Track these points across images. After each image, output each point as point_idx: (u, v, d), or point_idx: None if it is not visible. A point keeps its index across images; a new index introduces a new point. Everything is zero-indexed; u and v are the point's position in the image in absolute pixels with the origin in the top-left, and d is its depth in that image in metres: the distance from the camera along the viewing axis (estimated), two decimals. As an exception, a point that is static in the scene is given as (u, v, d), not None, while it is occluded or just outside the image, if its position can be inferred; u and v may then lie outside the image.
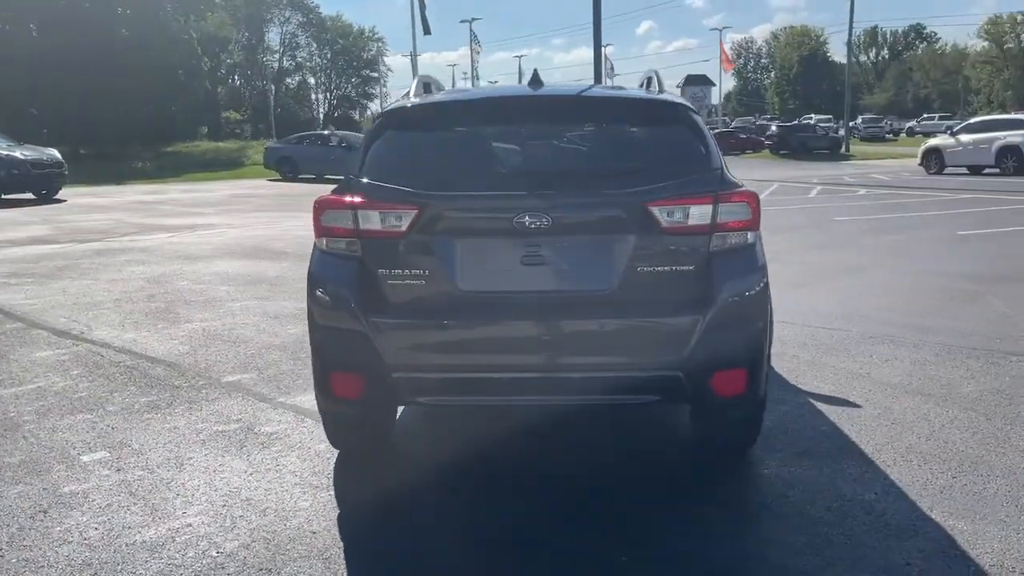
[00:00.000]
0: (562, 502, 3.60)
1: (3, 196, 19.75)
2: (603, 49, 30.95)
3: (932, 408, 4.57)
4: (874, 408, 4.58)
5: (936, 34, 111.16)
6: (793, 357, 5.60)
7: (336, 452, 4.12)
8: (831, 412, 4.52)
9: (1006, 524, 3.25)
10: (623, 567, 3.05)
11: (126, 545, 3.25)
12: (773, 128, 42.00)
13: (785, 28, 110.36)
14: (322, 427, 4.42)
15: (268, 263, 10.35)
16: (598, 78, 34.45)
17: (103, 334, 6.68)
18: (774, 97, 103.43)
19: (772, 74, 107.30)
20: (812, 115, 59.84)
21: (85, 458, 4.13)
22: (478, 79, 46.80)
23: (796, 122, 47.55)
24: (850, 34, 44.23)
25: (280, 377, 5.43)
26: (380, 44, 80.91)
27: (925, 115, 72.94)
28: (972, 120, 29.15)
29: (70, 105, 36.21)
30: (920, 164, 26.92)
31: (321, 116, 76.46)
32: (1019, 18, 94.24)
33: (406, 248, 3.34)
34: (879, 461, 3.87)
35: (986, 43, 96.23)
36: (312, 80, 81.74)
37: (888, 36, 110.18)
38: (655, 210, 3.25)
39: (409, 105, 3.77)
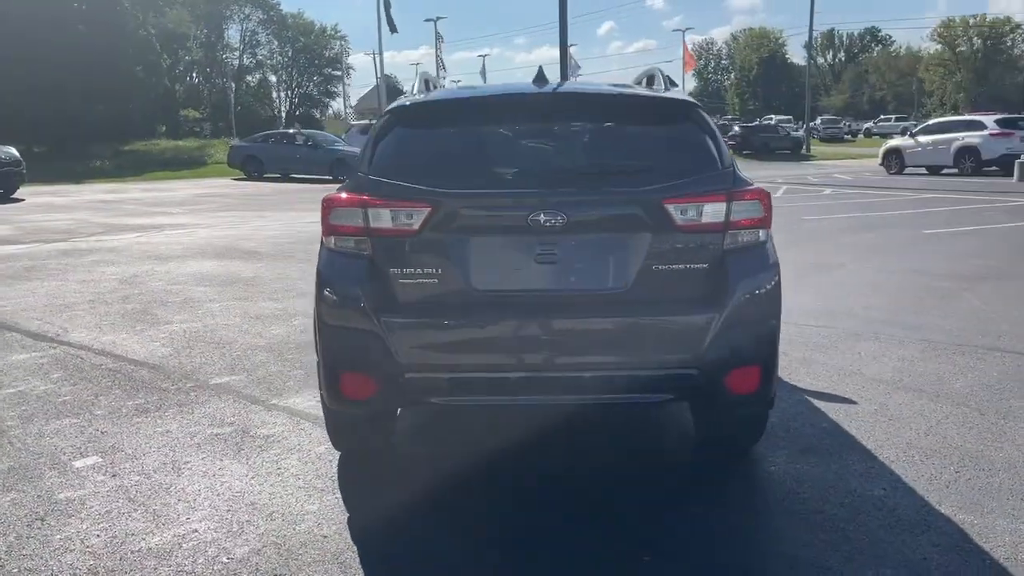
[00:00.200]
0: (573, 502, 3.58)
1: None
2: (568, 49, 31.11)
3: (926, 404, 4.63)
4: (870, 404, 4.63)
5: (891, 37, 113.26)
6: (784, 354, 5.58)
7: (337, 455, 4.05)
8: (828, 409, 4.56)
9: (1015, 517, 3.29)
10: (647, 567, 3.03)
11: (132, 552, 3.16)
12: (736, 128, 42.38)
13: (744, 30, 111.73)
14: (320, 429, 4.38)
15: (242, 263, 10.19)
16: (564, 78, 34.51)
17: (80, 336, 6.51)
18: (734, 98, 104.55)
19: (732, 75, 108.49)
20: (772, 116, 60.55)
21: (77, 463, 4.01)
22: (443, 78, 46.55)
23: (758, 122, 48.08)
24: (810, 36, 44.90)
25: (269, 379, 5.33)
26: (342, 42, 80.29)
27: (882, 116, 74.28)
28: (931, 122, 29.73)
29: (23, 101, 35.27)
30: (881, 164, 27.41)
31: (283, 115, 75.45)
32: (971, 21, 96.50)
33: (418, 247, 3.29)
34: (882, 457, 3.91)
35: (939, 46, 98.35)
36: (273, 78, 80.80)
37: (844, 38, 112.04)
38: (670, 208, 3.24)
39: (417, 102, 3.72)
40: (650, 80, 4.29)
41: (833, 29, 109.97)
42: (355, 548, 3.17)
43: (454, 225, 3.27)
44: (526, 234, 3.24)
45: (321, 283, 3.42)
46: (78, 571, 3.03)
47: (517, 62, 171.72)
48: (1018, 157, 22.06)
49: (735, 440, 3.92)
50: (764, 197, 3.39)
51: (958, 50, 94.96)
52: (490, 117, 3.62)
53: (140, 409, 4.78)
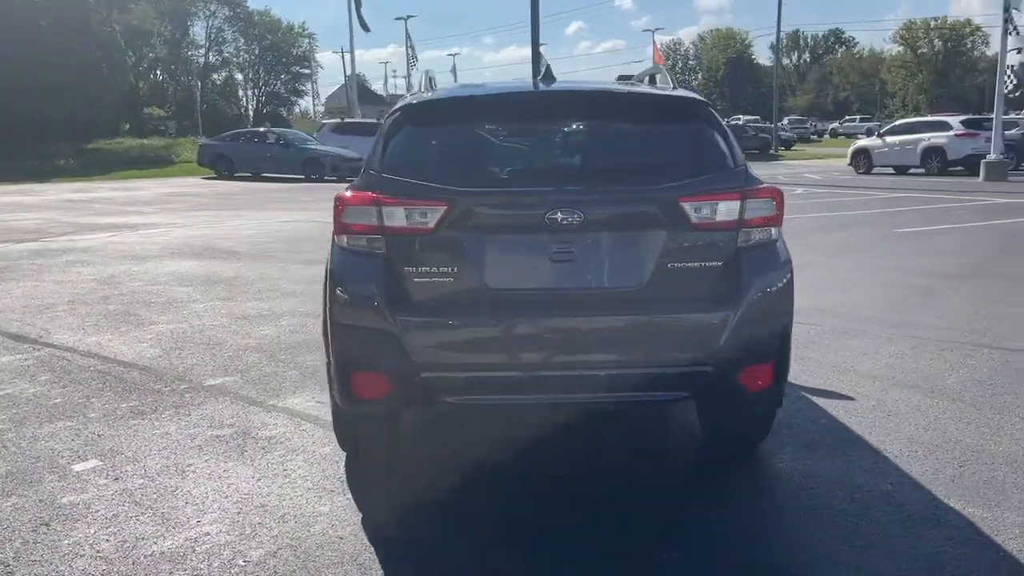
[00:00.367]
0: (583, 501, 3.59)
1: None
2: (544, 47, 31.14)
3: (922, 400, 4.70)
4: (867, 401, 4.69)
5: (854, 39, 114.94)
6: (777, 352, 5.69)
7: (343, 456, 4.02)
8: (827, 405, 4.61)
9: (1022, 511, 3.35)
10: (664, 566, 3.04)
11: (144, 557, 3.11)
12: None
13: (711, 31, 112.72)
14: (322, 430, 4.35)
15: (221, 263, 10.07)
16: (535, 77, 34.42)
17: (64, 338, 6.39)
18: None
19: (699, 75, 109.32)
20: (740, 116, 61.17)
21: (77, 467, 3.94)
22: (414, 76, 46.36)
23: (727, 122, 48.44)
24: (778, 37, 45.44)
25: (264, 380, 5.27)
26: (311, 40, 79.55)
27: (847, 117, 75.39)
28: (898, 122, 30.20)
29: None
30: (849, 164, 27.81)
31: (251, 113, 74.54)
32: (932, 24, 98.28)
33: (433, 245, 3.27)
34: (886, 452, 3.96)
35: (901, 48, 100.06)
36: (240, 76, 79.78)
37: (809, 40, 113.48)
38: (686, 206, 3.26)
39: (427, 100, 3.70)
40: (652, 79, 4.31)
41: (798, 30, 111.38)
42: (372, 549, 3.15)
43: (470, 224, 3.26)
44: (542, 232, 3.24)
45: (333, 282, 3.39)
46: (91, 577, 2.98)
47: (485, 61, 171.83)
48: (983, 157, 22.49)
49: (743, 437, 3.95)
50: (777, 195, 3.42)
51: (919, 52, 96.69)
52: (502, 115, 3.61)
53: (135, 411, 4.70)
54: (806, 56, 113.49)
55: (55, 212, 16.93)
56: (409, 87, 46.46)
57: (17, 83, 34.31)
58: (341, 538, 3.24)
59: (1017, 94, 22.87)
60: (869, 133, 37.12)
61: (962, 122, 25.18)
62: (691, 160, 3.42)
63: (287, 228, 13.77)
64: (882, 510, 3.38)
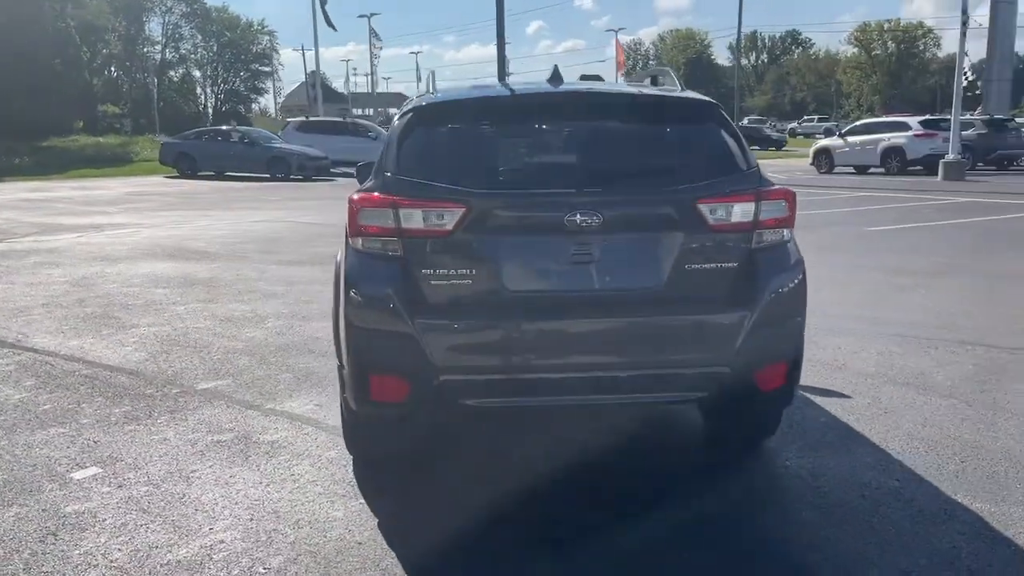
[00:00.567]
0: (598, 499, 3.59)
1: None
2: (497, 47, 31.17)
3: (915, 396, 4.80)
4: (863, 398, 4.77)
5: (811, 40, 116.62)
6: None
7: (350, 459, 3.98)
8: (825, 403, 4.68)
9: (1027, 505, 3.44)
10: (687, 564, 3.07)
11: (160, 566, 3.05)
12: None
13: (671, 31, 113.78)
14: (325, 434, 4.31)
15: (196, 264, 9.91)
16: (501, 76, 34.59)
17: (44, 341, 6.25)
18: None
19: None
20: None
21: (76, 475, 3.85)
22: (384, 73, 46.11)
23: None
24: (739, 38, 45.99)
25: (258, 383, 5.20)
26: (271, 38, 78.61)
27: (805, 117, 76.53)
28: (858, 123, 30.73)
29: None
30: (811, 164, 28.24)
31: (210, 111, 73.48)
32: (885, 26, 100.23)
33: (451, 247, 3.26)
34: (888, 449, 4.03)
35: (855, 49, 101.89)
36: (197, 73, 78.58)
37: (767, 41, 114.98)
38: (703, 208, 3.29)
39: (440, 101, 3.67)
40: (654, 80, 4.33)
41: (756, 32, 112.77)
42: (393, 554, 3.12)
43: (488, 226, 3.24)
44: (561, 234, 3.24)
45: (349, 284, 3.35)
46: (107, 587, 2.92)
47: (446, 60, 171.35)
48: (941, 157, 22.99)
49: (750, 437, 4.00)
50: (790, 197, 3.46)
51: (873, 53, 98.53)
52: (516, 116, 3.60)
53: (129, 417, 4.61)
54: (764, 57, 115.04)
55: (15, 212, 16.53)
56: (374, 85, 46.30)
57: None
58: (360, 543, 3.21)
59: (976, 92, 23.37)
60: (828, 133, 37.76)
61: (920, 123, 25.71)
62: (706, 162, 3.45)
63: (258, 228, 13.59)
64: (893, 506, 3.44)
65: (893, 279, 8.54)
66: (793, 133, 66.87)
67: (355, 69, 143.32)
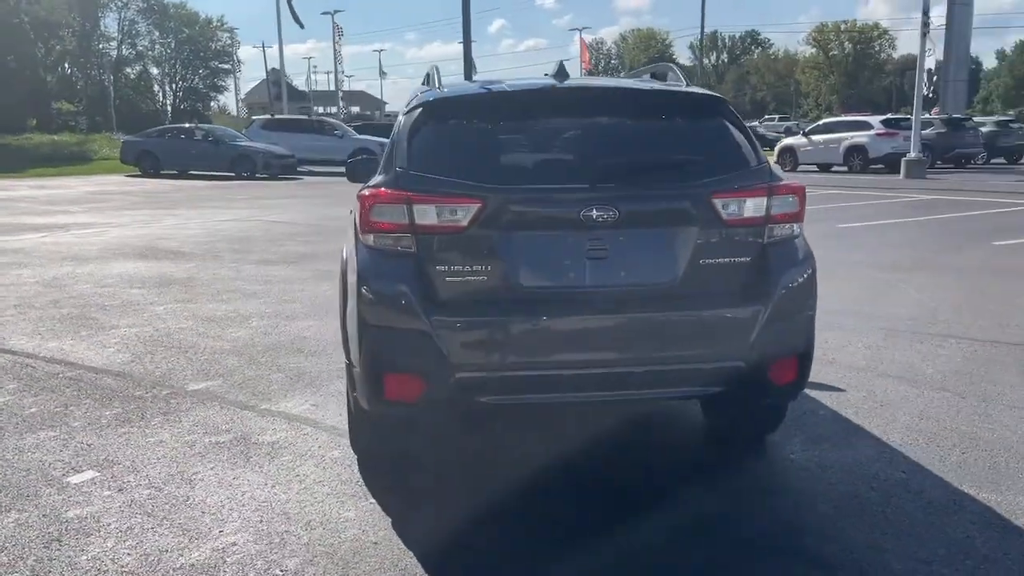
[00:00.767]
0: (612, 496, 3.58)
1: None
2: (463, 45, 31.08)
3: (908, 390, 4.86)
4: (858, 392, 4.82)
5: (770, 40, 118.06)
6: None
7: (354, 459, 3.93)
8: (821, 397, 4.72)
9: (1032, 494, 3.50)
10: (709, 560, 3.07)
11: (173, 570, 2.98)
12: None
13: (632, 30, 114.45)
14: (326, 434, 4.26)
15: (170, 264, 9.73)
16: (468, 75, 34.49)
17: (21, 343, 6.08)
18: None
19: (622, 75, 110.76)
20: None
21: (73, 479, 3.74)
22: (342, 72, 45.74)
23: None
24: (702, 37, 46.38)
25: (250, 383, 5.11)
26: (231, 35, 77.48)
27: (766, 116, 77.39)
28: (821, 122, 31.17)
29: None
30: (776, 162, 28.56)
31: (168, 109, 72.24)
32: (842, 27, 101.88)
33: (466, 244, 3.22)
34: (889, 441, 4.08)
35: (813, 50, 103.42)
36: (155, 70, 77.17)
37: (727, 41, 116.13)
38: (717, 202, 3.29)
39: (449, 96, 3.63)
40: (657, 76, 4.33)
41: (716, 31, 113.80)
42: (411, 554, 3.08)
43: (503, 222, 3.21)
44: (577, 230, 3.22)
45: (361, 281, 3.29)
46: (121, 594, 2.84)
47: (408, 58, 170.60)
48: (903, 155, 23.41)
49: (757, 431, 4.02)
50: (800, 192, 3.48)
51: (831, 54, 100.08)
52: (527, 112, 3.57)
53: (121, 419, 4.50)
54: (724, 56, 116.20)
55: (-26, 211, 16.09)
56: (338, 83, 45.87)
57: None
58: (376, 543, 3.16)
59: (932, 92, 23.81)
60: (789, 132, 38.22)
61: (882, 122, 26.15)
62: (717, 156, 3.46)
63: (228, 227, 13.38)
64: (903, 498, 3.47)
65: (872, 275, 8.66)
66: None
67: (315, 67, 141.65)
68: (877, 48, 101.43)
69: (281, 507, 3.47)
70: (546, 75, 4.01)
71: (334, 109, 59.81)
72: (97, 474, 3.80)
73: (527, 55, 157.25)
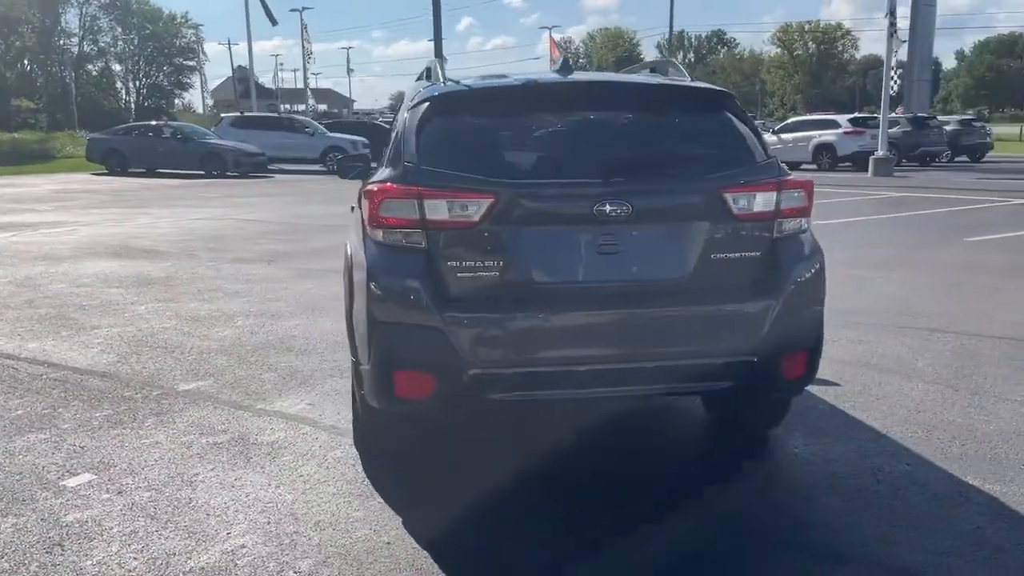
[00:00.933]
0: (623, 494, 3.57)
1: None
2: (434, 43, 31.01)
3: (901, 383, 4.91)
4: (852, 386, 4.86)
5: (736, 40, 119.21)
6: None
7: (357, 458, 3.88)
8: (818, 392, 4.75)
9: (1035, 485, 3.55)
10: (727, 555, 3.07)
11: (183, 574, 2.91)
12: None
13: (600, 29, 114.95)
14: (325, 433, 4.21)
15: (146, 263, 9.56)
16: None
17: (0, 344, 5.93)
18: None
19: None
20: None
21: (70, 482, 3.65)
22: (311, 69, 45.27)
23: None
24: (670, 36, 46.61)
25: (241, 383, 5.03)
26: (196, 31, 76.35)
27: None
28: (790, 120, 31.51)
29: None
30: (746, 160, 28.79)
31: (132, 106, 71.02)
32: (806, 27, 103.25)
33: (477, 239, 3.18)
34: (889, 434, 4.12)
35: (778, 49, 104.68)
36: (118, 67, 75.85)
37: (693, 40, 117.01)
38: (728, 197, 3.29)
39: (457, 91, 3.58)
40: (657, 71, 4.32)
41: (683, 31, 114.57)
42: (426, 554, 3.04)
43: (515, 217, 3.18)
44: (589, 224, 3.20)
45: (371, 278, 3.24)
46: (131, 599, 2.77)
47: (375, 56, 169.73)
48: (870, 153, 23.73)
49: (762, 426, 4.04)
50: (808, 187, 3.50)
51: (795, 54, 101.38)
52: (536, 105, 3.54)
53: (112, 421, 4.40)
54: (691, 56, 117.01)
55: (-64, 210, 15.70)
56: (307, 81, 45.42)
57: None
58: (389, 543, 3.12)
59: (895, 91, 24.10)
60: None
61: (850, 120, 26.53)
62: (726, 151, 3.46)
63: (202, 226, 13.19)
64: (910, 490, 3.50)
65: (850, 271, 8.74)
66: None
67: (282, 64, 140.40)
68: (840, 48, 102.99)
69: (288, 508, 3.41)
70: (553, 70, 3.99)
71: (302, 107, 59.28)
72: (94, 477, 3.71)
73: (495, 53, 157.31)
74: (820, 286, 3.48)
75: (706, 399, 4.27)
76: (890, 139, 24.82)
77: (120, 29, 73.75)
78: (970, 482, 3.57)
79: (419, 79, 4.93)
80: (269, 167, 25.92)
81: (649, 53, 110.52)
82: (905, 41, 22.74)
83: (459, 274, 3.20)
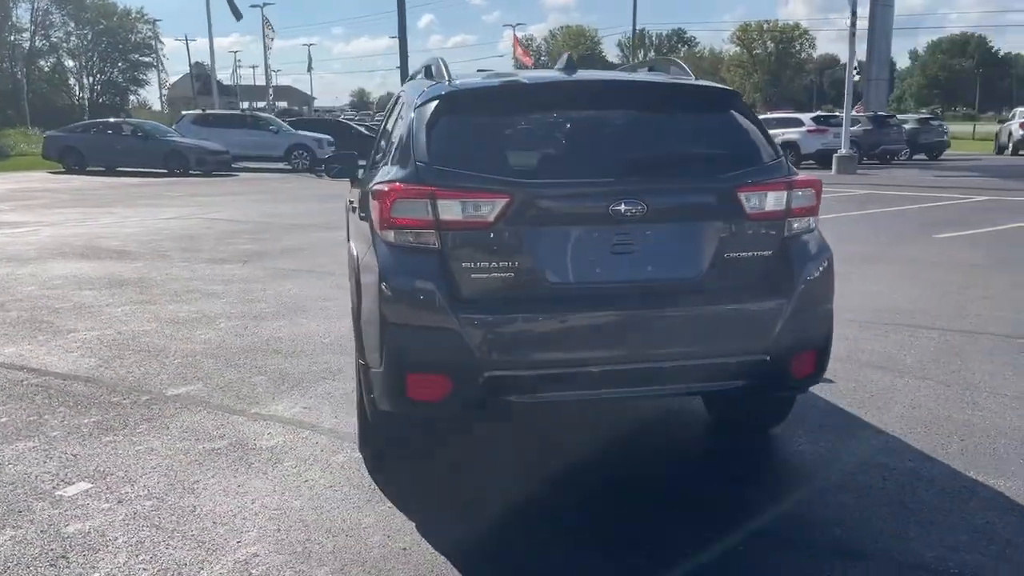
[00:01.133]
0: (637, 494, 3.56)
1: None
2: (395, 40, 30.81)
3: (894, 379, 4.97)
4: (846, 382, 4.91)
5: (696, 39, 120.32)
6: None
7: (362, 463, 3.82)
8: (813, 388, 4.76)
9: (1036, 478, 3.61)
10: (746, 554, 3.07)
11: (197, 586, 2.83)
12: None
13: (562, 27, 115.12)
14: (325, 437, 4.15)
15: (117, 264, 9.35)
16: (404, 71, 34.14)
17: (-25, 349, 5.75)
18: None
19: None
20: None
21: (66, 492, 3.55)
22: (270, 66, 44.72)
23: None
24: (634, 34, 46.88)
25: (233, 387, 4.93)
26: (152, 27, 74.86)
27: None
28: (754, 118, 31.77)
29: None
30: (711, 158, 29.05)
31: (87, 103, 69.49)
32: (764, 26, 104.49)
33: (492, 239, 3.14)
34: (890, 431, 4.16)
35: (737, 48, 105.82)
36: (71, 63, 74.17)
37: (654, 39, 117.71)
38: (741, 196, 3.29)
39: (467, 88, 3.53)
40: (656, 70, 4.31)
41: (644, 29, 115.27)
42: (446, 560, 3.00)
43: (530, 216, 3.15)
44: (604, 224, 3.18)
45: (383, 279, 3.18)
46: (146, 612, 2.69)
47: (335, 53, 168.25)
48: (833, 151, 24.09)
49: (765, 424, 4.06)
50: (817, 186, 3.51)
51: (755, 52, 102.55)
52: (548, 104, 3.50)
53: (103, 427, 4.28)
54: (651, 54, 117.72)
55: None
56: (268, 78, 44.80)
57: None
58: (405, 549, 3.07)
59: (853, 90, 24.45)
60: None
61: (813, 119, 26.90)
62: (737, 150, 3.45)
63: (170, 225, 12.94)
64: (917, 487, 3.54)
65: (827, 268, 8.85)
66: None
67: (240, 61, 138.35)
68: (798, 47, 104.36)
69: (296, 515, 3.34)
70: (558, 68, 3.96)
71: (261, 104, 58.53)
72: (90, 486, 3.61)
73: (457, 51, 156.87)
74: (829, 284, 3.50)
75: (707, 398, 4.27)
76: (852, 137, 25.23)
77: (73, 24, 72.15)
78: (974, 477, 3.62)
79: (413, 77, 4.88)
80: (233, 165, 25.54)
81: (610, 51, 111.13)
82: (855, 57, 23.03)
83: (473, 275, 3.16)
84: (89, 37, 73.00)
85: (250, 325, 6.42)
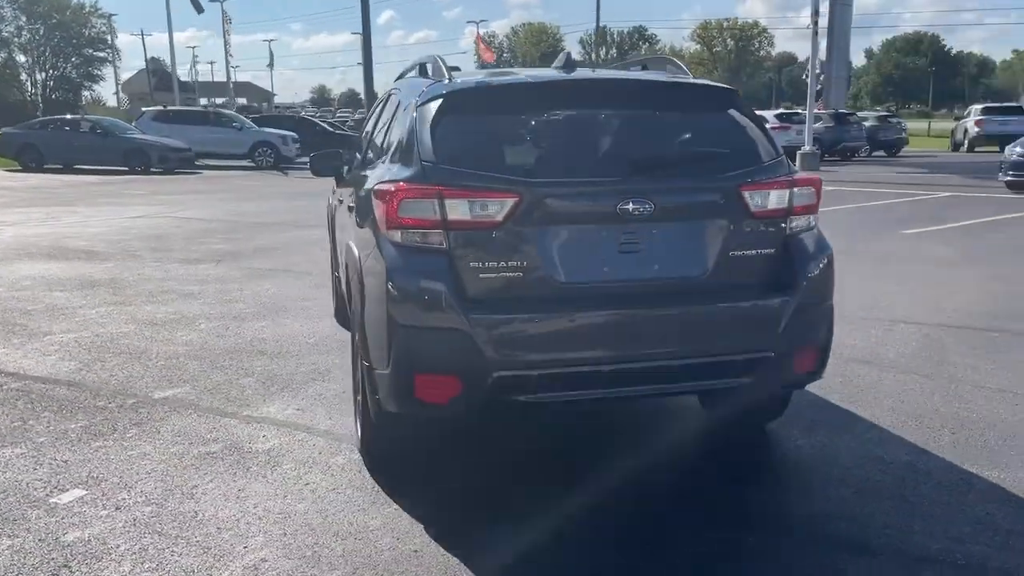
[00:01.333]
0: (642, 494, 3.58)
1: None
2: (356, 36, 30.50)
3: (880, 374, 5.05)
4: (834, 377, 4.94)
5: (657, 36, 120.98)
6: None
7: (362, 464, 3.78)
8: (803, 384, 4.84)
9: (1032, 469, 3.69)
10: (749, 549, 3.09)
11: (207, 593, 2.78)
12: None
13: (524, 24, 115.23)
14: (322, 439, 4.11)
15: (86, 264, 9.16)
16: (368, 67, 33.91)
17: (-53, 353, 5.59)
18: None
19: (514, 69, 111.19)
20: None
21: (61, 499, 3.46)
22: (231, 61, 44.13)
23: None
24: (597, 31, 47.03)
25: (221, 389, 4.85)
26: (107, 21, 73.31)
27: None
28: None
29: None
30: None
31: (39, 99, 67.90)
32: (724, 24, 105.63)
33: (500, 239, 3.13)
34: (883, 425, 4.22)
35: (698, 46, 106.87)
36: (22, 58, 72.38)
37: (615, 36, 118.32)
38: (745, 194, 3.31)
39: (471, 86, 3.51)
40: (651, 68, 4.32)
41: (605, 27, 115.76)
42: (459, 562, 2.98)
43: (538, 216, 3.14)
44: (612, 223, 3.18)
45: (390, 280, 3.15)
46: (157, 621, 2.63)
47: (295, 48, 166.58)
48: (797, 148, 24.39)
49: (762, 420, 4.10)
50: (818, 184, 3.55)
51: (715, 50, 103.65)
52: (552, 102, 3.48)
53: (91, 432, 4.19)
54: (613, 51, 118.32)
55: None
56: (229, 73, 44.14)
57: None
58: (416, 552, 3.05)
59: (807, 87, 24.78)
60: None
61: (776, 116, 27.24)
62: (741, 149, 3.48)
63: (138, 224, 12.71)
64: (916, 480, 3.60)
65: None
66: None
67: (197, 56, 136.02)
68: (757, 45, 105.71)
69: (301, 518, 3.30)
70: (556, 66, 3.95)
71: (220, 100, 57.72)
72: (85, 492, 3.52)
73: (418, 48, 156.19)
74: (831, 281, 3.54)
75: (704, 395, 4.29)
76: (815, 135, 25.59)
77: (25, 18, 70.40)
78: (969, 469, 3.69)
79: (403, 76, 4.85)
80: (196, 163, 25.15)
81: (573, 49, 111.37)
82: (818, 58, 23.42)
83: (482, 275, 3.14)
84: (42, 32, 71.32)
85: (231, 326, 6.33)
